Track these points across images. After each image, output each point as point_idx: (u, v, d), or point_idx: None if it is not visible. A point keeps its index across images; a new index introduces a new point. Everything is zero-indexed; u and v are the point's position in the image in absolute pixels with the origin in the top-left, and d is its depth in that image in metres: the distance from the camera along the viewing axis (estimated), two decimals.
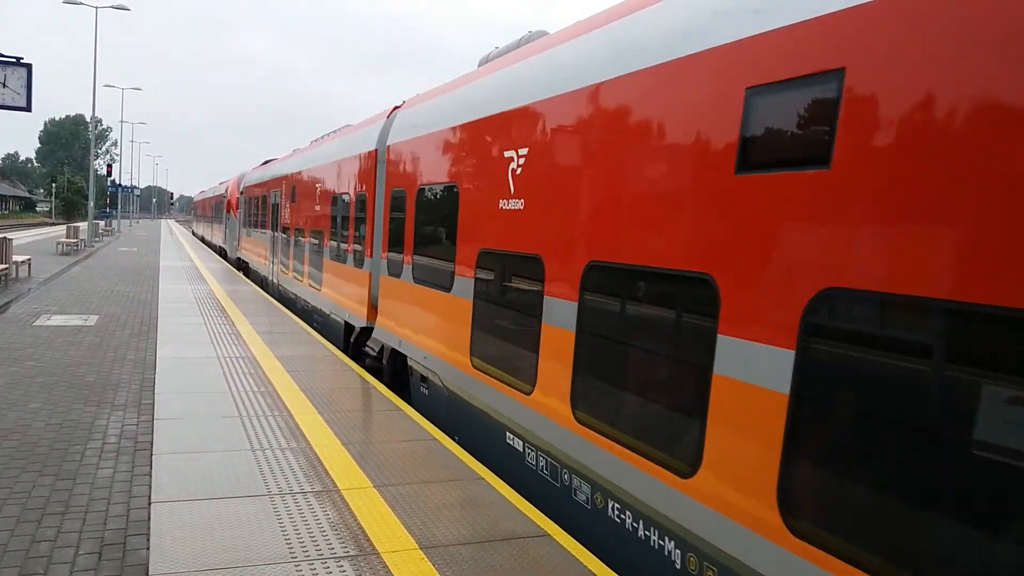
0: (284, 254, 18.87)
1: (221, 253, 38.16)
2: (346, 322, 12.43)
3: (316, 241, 14.97)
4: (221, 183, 45.34)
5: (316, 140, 17.75)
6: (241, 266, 29.27)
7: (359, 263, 11.60)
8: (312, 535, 4.86)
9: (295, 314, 15.87)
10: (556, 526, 5.22)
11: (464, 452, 6.82)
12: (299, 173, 17.20)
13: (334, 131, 16.13)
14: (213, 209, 46.17)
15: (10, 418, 7.40)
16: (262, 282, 23.02)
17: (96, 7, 41.12)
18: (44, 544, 4.76)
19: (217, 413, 7.68)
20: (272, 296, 19.57)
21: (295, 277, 17.31)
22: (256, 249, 24.78)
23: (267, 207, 21.83)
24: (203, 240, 53.63)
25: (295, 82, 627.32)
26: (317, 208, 14.93)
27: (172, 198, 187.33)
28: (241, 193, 29.10)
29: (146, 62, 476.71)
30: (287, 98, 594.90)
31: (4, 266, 18.72)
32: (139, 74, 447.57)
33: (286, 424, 7.42)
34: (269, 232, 21.50)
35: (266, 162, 26.72)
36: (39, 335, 12.04)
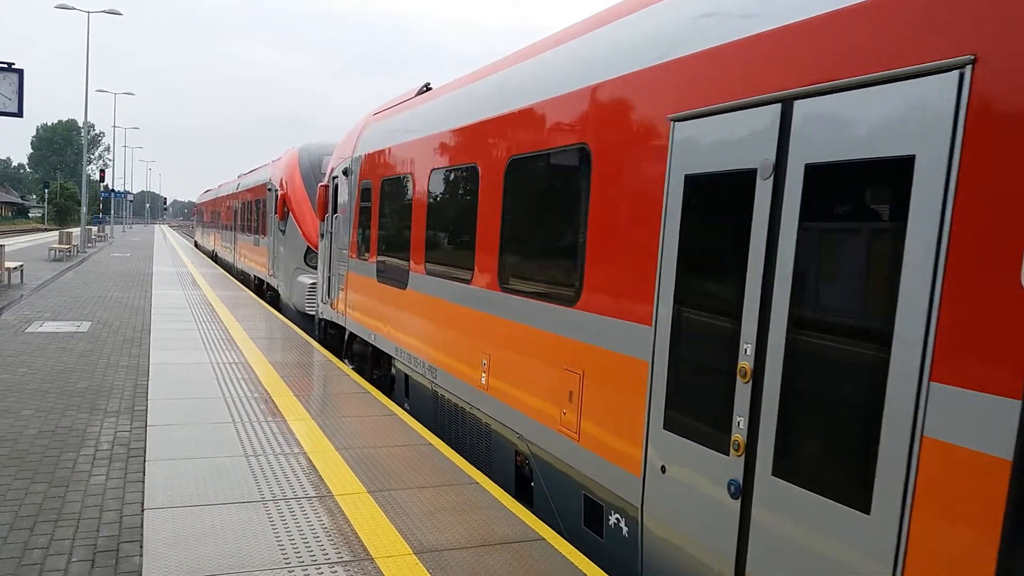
0: None
1: (259, 290, 22.56)
2: None
3: None
4: (255, 169, 27.76)
5: None
6: (369, 371, 11.15)
7: None
8: (306, 541, 4.85)
9: None
10: (551, 530, 5.23)
11: (459, 456, 6.83)
12: None
13: None
14: (240, 213, 27.98)
15: (2, 425, 7.37)
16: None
17: (88, 12, 41.02)
18: (37, 552, 4.74)
19: (210, 419, 7.66)
20: None
21: None
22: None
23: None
24: (215, 258, 37.68)
25: (288, 86, 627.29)
26: None
27: (165, 203, 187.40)
28: (342, 174, 12.00)
29: (138, 67, 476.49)
30: (280, 102, 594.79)
31: None
32: (131, 78, 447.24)
33: (280, 430, 7.41)
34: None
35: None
36: (31, 341, 11.99)
